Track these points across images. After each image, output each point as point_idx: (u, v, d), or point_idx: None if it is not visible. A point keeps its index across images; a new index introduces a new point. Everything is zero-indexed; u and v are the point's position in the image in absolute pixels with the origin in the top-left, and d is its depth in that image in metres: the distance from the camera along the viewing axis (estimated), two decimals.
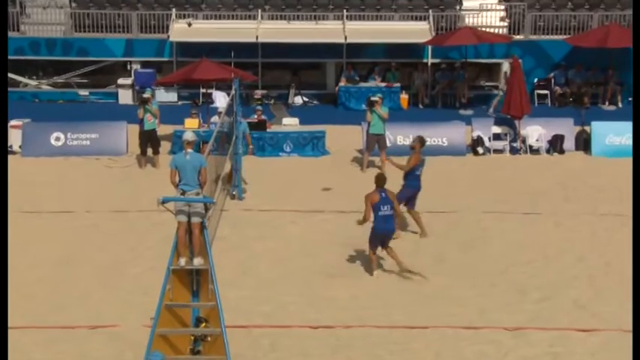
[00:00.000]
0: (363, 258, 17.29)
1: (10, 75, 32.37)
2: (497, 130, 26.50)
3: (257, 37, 31.56)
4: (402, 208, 17.99)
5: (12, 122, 26.17)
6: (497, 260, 17.43)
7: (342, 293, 15.87)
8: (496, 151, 26.12)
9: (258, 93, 31.16)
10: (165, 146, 25.45)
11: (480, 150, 25.95)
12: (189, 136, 13.94)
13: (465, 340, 14.15)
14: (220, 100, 29.40)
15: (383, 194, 16.44)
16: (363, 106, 26.09)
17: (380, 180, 16.59)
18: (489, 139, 26.26)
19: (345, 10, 32.87)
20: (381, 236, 16.53)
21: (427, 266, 16.99)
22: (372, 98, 24.32)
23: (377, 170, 24.00)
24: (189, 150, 13.71)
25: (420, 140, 19.26)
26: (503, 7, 33.15)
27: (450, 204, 20.92)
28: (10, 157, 25.15)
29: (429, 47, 32.18)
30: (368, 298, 15.70)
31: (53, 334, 14.13)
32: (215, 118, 24.14)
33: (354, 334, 14.33)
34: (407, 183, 18.70)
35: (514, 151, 26.05)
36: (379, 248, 16.65)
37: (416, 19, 32.95)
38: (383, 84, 31.30)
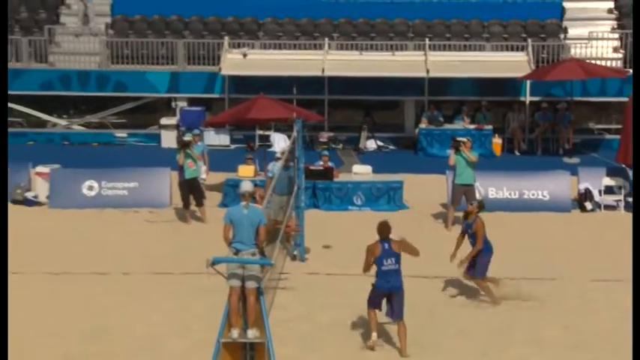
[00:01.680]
0: (447, 330, 17.29)
1: (36, 113, 33.12)
2: (609, 182, 26.37)
3: (323, 71, 31.88)
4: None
5: (38, 169, 26.73)
6: (606, 337, 17.30)
7: None
8: (608, 207, 25.99)
9: (325, 136, 31.43)
10: (215, 197, 25.78)
11: (589, 205, 25.85)
12: (247, 186, 14.12)
13: None
14: (280, 143, 29.75)
15: (386, 245, 16.47)
16: (448, 152, 26.20)
17: (384, 229, 16.59)
18: (600, 192, 26.14)
19: (427, 39, 33.04)
20: (382, 295, 16.53)
21: (522, 344, 16.93)
22: (459, 139, 24.38)
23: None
24: (248, 203, 13.88)
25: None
26: (616, 35, 33.12)
27: (551, 270, 20.82)
28: (35, 209, 25.74)
29: (528, 83, 32.22)
30: None
31: None
32: (272, 165, 24.40)
33: None
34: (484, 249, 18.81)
35: (630, 207, 25.86)
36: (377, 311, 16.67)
37: (512, 49, 33.02)
38: (472, 126, 31.39)
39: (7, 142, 25.80)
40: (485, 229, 18.92)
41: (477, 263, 18.70)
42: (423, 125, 31.85)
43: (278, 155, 24.42)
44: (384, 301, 16.59)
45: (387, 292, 16.54)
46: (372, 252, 16.46)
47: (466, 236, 19.10)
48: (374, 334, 16.59)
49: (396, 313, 16.49)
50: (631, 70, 31.69)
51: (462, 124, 31.62)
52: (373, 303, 16.67)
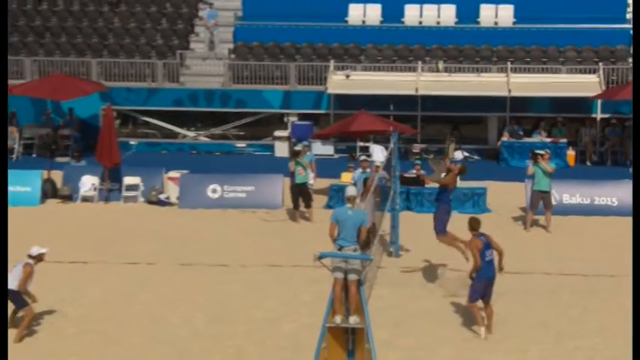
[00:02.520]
0: (529, 322, 17.10)
1: (169, 126, 33.61)
2: None
3: (417, 90, 31.82)
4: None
5: (170, 174, 27.08)
6: None
7: (503, 358, 15.71)
8: None
9: (417, 147, 31.33)
10: (321, 200, 25.86)
11: None
12: (351, 191, 14.21)
13: None
14: (378, 154, 29.68)
15: (483, 238, 16.28)
16: (527, 162, 25.92)
17: (476, 223, 16.43)
18: None
19: (509, 63, 32.80)
20: (485, 283, 16.29)
21: (598, 332, 16.67)
22: (538, 152, 24.16)
23: (542, 230, 23.87)
24: (353, 206, 13.97)
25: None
26: None
27: (619, 268, 20.45)
28: (167, 209, 26.07)
29: (599, 101, 31.78)
30: None
31: None
32: (356, 173, 24.47)
33: None
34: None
35: None
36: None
37: (585, 71, 32.61)
38: (548, 139, 31.04)
39: (7, 141, 25.94)
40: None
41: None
42: (504, 138, 31.64)
43: (377, 164, 24.39)
44: None
45: (490, 280, 16.31)
46: (477, 246, 16.22)
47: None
48: (482, 330, 16.35)
49: (487, 296, 16.34)
50: None
51: (540, 138, 31.29)
52: (478, 295, 16.34)
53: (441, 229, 19.03)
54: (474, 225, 16.44)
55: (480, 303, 16.53)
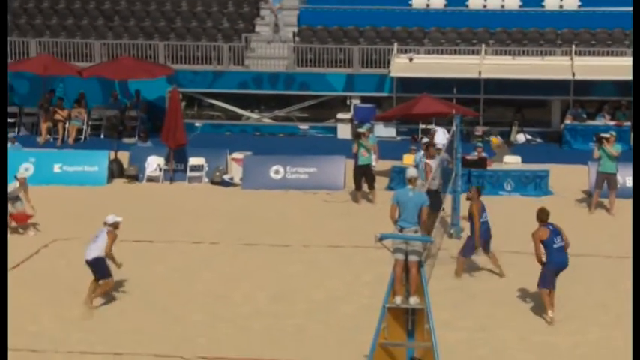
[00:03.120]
0: (590, 303, 16.86)
1: (233, 108, 33.68)
2: None
3: (480, 73, 31.47)
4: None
5: (234, 155, 27.13)
6: None
7: (564, 340, 15.51)
8: None
9: (480, 130, 31.04)
10: (383, 182, 25.70)
11: None
12: (412, 173, 14.08)
13: None
14: (440, 136, 29.43)
15: (550, 227, 16.31)
16: (591, 145, 25.55)
17: (544, 214, 16.44)
18: None
19: (573, 46, 32.31)
20: (557, 270, 16.31)
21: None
22: (603, 135, 23.86)
23: (604, 213, 23.50)
24: (414, 187, 13.84)
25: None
26: None
27: None
28: (231, 190, 26.13)
29: None
30: (591, 346, 15.27)
31: None
32: (418, 155, 24.12)
33: None
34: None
35: None
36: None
37: None
38: (612, 123, 30.52)
39: (7, 136, 26.05)
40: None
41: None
42: (567, 121, 31.21)
43: (438, 147, 24.15)
44: None
45: (562, 267, 16.36)
46: (540, 235, 16.26)
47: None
48: (550, 314, 16.27)
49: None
50: None
51: (603, 121, 30.79)
52: (548, 282, 16.35)
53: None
54: (541, 216, 16.47)
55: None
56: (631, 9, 32.68)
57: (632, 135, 30.46)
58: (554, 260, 16.24)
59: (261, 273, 18.84)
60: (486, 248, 18.67)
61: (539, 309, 16.66)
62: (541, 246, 16.19)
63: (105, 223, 16.98)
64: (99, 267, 16.76)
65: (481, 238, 18.34)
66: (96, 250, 16.77)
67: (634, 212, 18.70)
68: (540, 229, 16.36)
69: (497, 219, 22.64)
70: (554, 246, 16.23)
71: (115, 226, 17.00)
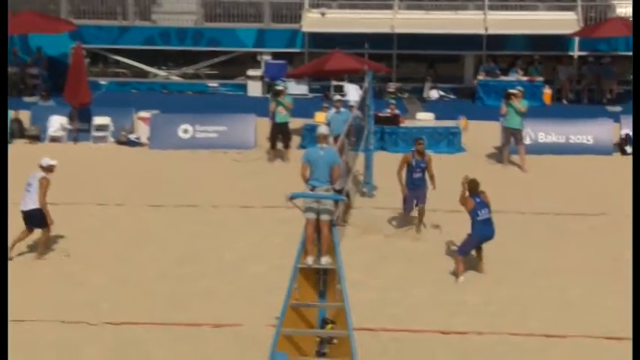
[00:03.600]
0: (501, 261, 17.09)
1: (139, 65, 33.23)
2: None
3: (392, 28, 31.54)
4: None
5: (140, 114, 26.83)
6: None
7: (474, 297, 15.72)
8: None
9: (392, 86, 31.16)
10: (295, 140, 25.66)
11: (628, 149, 25.34)
12: (323, 130, 14.01)
13: (608, 351, 13.84)
14: (352, 93, 29.45)
15: (477, 199, 16.49)
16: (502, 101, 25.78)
17: (473, 185, 16.61)
18: None
19: (486, 0, 32.51)
20: (480, 241, 16.62)
21: (569, 270, 16.69)
22: (511, 90, 24.17)
23: (516, 169, 23.83)
24: (324, 145, 13.79)
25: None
26: None
27: (595, 206, 20.48)
28: (137, 149, 25.85)
29: (576, 39, 31.62)
30: (502, 303, 15.50)
31: (176, 332, 14.39)
32: (330, 113, 24.04)
33: (486, 341, 14.18)
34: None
35: None
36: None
37: (562, 9, 32.37)
38: (525, 78, 30.87)
39: (7, 132, 25.71)
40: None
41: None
42: (480, 77, 31.48)
43: (351, 103, 24.18)
44: None
45: (486, 239, 16.59)
46: (465, 206, 16.52)
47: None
48: (462, 278, 16.45)
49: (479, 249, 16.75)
50: None
51: (516, 77, 31.10)
52: (466, 251, 16.62)
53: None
54: (471, 186, 16.59)
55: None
56: None
57: (545, 91, 30.92)
58: (477, 233, 16.46)
59: (168, 234, 18.69)
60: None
61: (449, 267, 16.83)
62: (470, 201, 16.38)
63: (40, 166, 16.99)
64: (36, 218, 16.88)
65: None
66: (31, 201, 16.85)
67: (634, 215, 18.89)
68: (467, 199, 16.50)
69: None
70: (479, 218, 16.42)
71: (50, 169, 17.00)
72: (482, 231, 16.52)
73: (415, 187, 18.92)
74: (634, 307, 12.84)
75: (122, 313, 14.93)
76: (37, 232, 17.38)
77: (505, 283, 16.34)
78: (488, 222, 16.56)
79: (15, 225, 17.35)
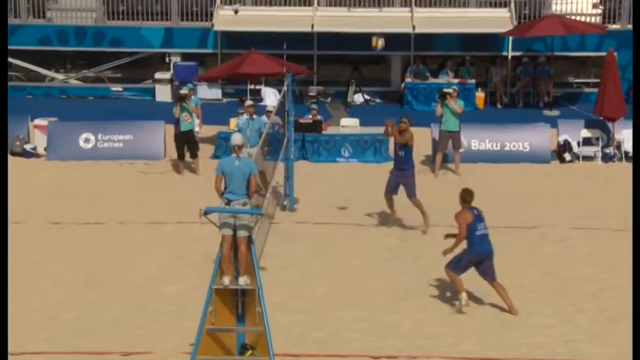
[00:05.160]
0: (431, 280, 17.35)
1: (34, 68, 33.02)
2: (587, 133, 26.40)
3: (313, 26, 31.79)
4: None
5: (36, 121, 26.69)
6: (586, 283, 17.39)
7: (406, 319, 15.92)
8: (586, 157, 26.01)
9: (314, 90, 31.40)
10: (208, 149, 25.76)
11: (568, 156, 25.90)
12: (238, 139, 14.09)
13: None
14: (270, 97, 29.72)
15: (475, 212, 16.17)
16: (433, 105, 26.20)
17: (468, 195, 16.30)
18: (578, 144, 26.18)
19: None
20: (474, 259, 16.15)
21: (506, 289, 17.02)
22: (445, 90, 24.58)
23: (451, 174, 24.21)
24: (239, 155, 13.89)
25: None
26: None
27: (532, 219, 20.90)
28: (34, 161, 25.71)
29: (510, 38, 32.18)
30: (435, 325, 15.74)
31: None
32: (240, 120, 24.10)
33: None
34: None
35: (607, 158, 25.91)
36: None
37: (495, 5, 32.94)
38: (456, 80, 31.34)
39: (7, 129, 25.59)
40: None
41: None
42: (408, 79, 31.88)
43: (269, 109, 24.34)
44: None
45: (486, 257, 16.14)
46: (466, 219, 16.00)
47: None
48: (464, 295, 16.17)
49: (490, 274, 16.19)
50: (610, 26, 31.71)
51: (447, 79, 31.56)
52: (461, 269, 16.12)
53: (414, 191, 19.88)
54: (465, 197, 16.31)
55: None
56: None
57: (477, 95, 31.42)
58: (476, 250, 16.02)
59: (72, 255, 18.64)
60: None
61: (378, 287, 17.03)
62: (466, 228, 15.90)
63: None
64: None
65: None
66: None
67: (634, 215, 19.21)
68: (464, 211, 16.10)
69: (333, 187, 23.11)
70: (477, 233, 15.98)
71: None
72: (482, 248, 16.03)
73: (398, 169, 19.88)
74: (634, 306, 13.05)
75: (25, 341, 14.84)
76: None
77: (440, 301, 16.59)
78: (486, 238, 16.13)
79: None
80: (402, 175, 19.85)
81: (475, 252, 16.12)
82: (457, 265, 16.25)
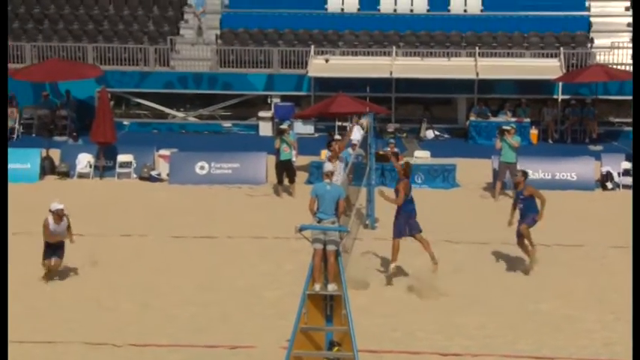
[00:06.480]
0: (493, 287, 17.13)
1: (159, 107, 33.45)
2: (627, 165, 25.88)
3: (391, 73, 31.77)
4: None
5: (161, 152, 26.96)
6: (623, 294, 17.00)
7: (471, 321, 15.73)
8: (626, 186, 25.48)
9: (392, 126, 31.34)
10: (302, 176, 25.78)
11: (610, 185, 25.44)
12: (329, 167, 14.14)
13: None
14: (355, 133, 29.58)
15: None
16: (493, 140, 25.90)
17: (409, 169, 17.50)
18: (619, 174, 25.69)
19: (477, 47, 32.78)
20: (405, 219, 17.18)
21: (553, 297, 16.72)
22: (504, 127, 24.35)
23: (509, 199, 23.88)
24: (330, 181, 13.91)
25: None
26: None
27: (578, 238, 20.54)
28: (158, 185, 25.96)
29: (560, 84, 31.83)
30: (496, 326, 15.52)
31: (196, 353, 14.41)
32: (349, 150, 24.19)
33: None
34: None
35: None
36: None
37: (547, 56, 32.64)
38: (513, 119, 31.04)
39: (7, 132, 25.78)
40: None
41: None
42: (472, 118, 31.67)
43: (354, 142, 24.29)
44: None
45: (410, 214, 17.21)
46: (405, 188, 17.21)
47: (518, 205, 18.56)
48: (393, 265, 17.11)
49: (414, 229, 17.39)
50: None
51: (505, 118, 31.29)
52: (399, 231, 17.29)
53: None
54: (407, 171, 17.34)
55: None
56: (529, 13, 33.41)
57: (532, 132, 31.09)
58: (404, 211, 17.23)
59: (187, 264, 18.74)
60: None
61: (445, 293, 16.85)
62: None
63: (49, 210, 17.22)
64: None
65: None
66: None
67: (634, 214, 18.95)
68: (407, 181, 17.26)
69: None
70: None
71: (57, 213, 17.14)
72: (406, 208, 17.23)
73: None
74: (634, 306, 12.81)
75: (147, 336, 14.96)
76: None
77: (499, 308, 16.36)
78: (411, 201, 17.44)
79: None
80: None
81: (404, 212, 17.14)
82: (397, 231, 17.19)
